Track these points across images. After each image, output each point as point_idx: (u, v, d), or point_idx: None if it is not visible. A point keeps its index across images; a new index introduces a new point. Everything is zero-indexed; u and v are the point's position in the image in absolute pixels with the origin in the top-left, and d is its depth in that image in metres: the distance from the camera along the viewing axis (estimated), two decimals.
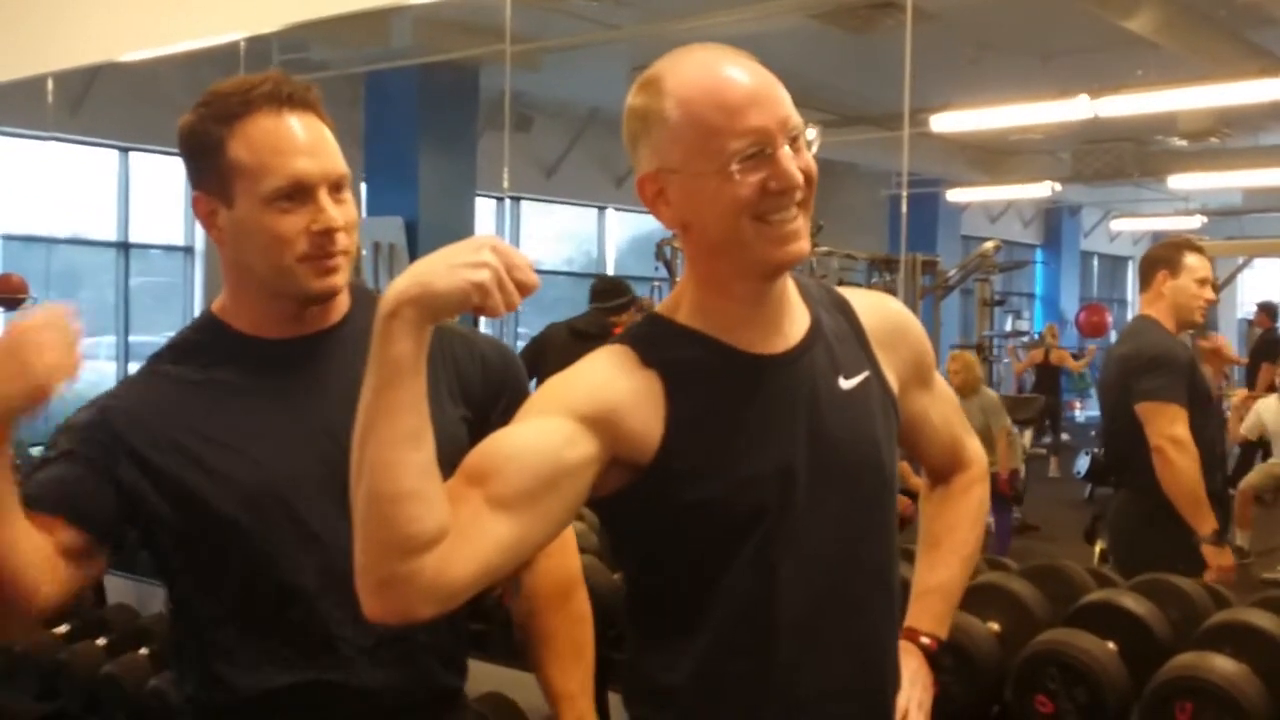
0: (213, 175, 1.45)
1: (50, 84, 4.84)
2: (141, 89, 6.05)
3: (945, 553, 1.56)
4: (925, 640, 1.52)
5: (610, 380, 1.27)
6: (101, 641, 3.11)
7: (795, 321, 1.35)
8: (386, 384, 1.12)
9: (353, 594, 1.47)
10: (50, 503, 1.43)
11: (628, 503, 1.29)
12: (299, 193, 1.43)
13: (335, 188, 1.46)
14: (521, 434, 1.23)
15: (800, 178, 1.24)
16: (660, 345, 1.30)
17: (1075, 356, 11.74)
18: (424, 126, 7.88)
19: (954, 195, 13.00)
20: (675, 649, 1.32)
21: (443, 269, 1.12)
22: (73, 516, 1.44)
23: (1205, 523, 3.12)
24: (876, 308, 1.45)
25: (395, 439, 1.12)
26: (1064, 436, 11.13)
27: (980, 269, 9.12)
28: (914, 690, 1.47)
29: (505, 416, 1.60)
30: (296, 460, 1.48)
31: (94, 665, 2.98)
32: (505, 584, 1.74)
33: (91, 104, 5.64)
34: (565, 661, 1.67)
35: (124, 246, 8.44)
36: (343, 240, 1.46)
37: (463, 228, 8.25)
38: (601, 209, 11.84)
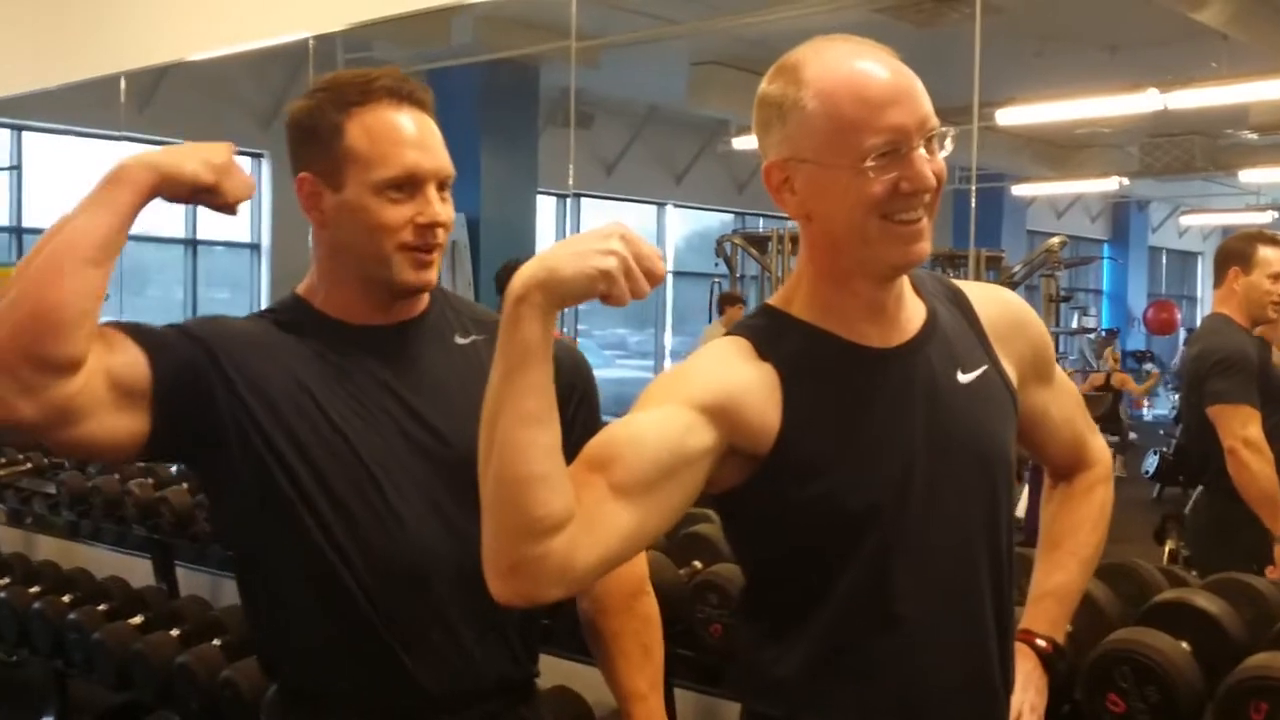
0: (325, 158, 1.48)
1: (123, 84, 4.93)
2: (208, 87, 6.16)
3: (1064, 555, 1.54)
4: (1041, 643, 1.50)
5: (728, 369, 1.27)
6: (175, 633, 3.18)
7: (911, 315, 1.34)
8: (514, 368, 1.13)
9: (433, 581, 1.49)
10: (130, 327, 1.40)
11: (745, 498, 1.29)
12: (410, 184, 1.47)
13: (442, 185, 1.50)
14: (642, 422, 1.22)
15: (933, 180, 1.24)
16: (775, 339, 1.30)
17: (1137, 375, 11.63)
18: (485, 124, 7.92)
19: (1019, 190, 12.85)
20: (787, 642, 1.31)
21: (569, 256, 1.13)
22: (149, 349, 1.39)
23: (1279, 522, 3.08)
24: (994, 300, 1.44)
25: (523, 421, 1.13)
26: (1132, 435, 10.98)
27: (1046, 265, 8.98)
28: (1027, 694, 1.45)
29: (577, 416, 1.62)
30: (385, 443, 1.49)
31: (168, 656, 3.04)
32: None
33: (159, 102, 5.74)
34: (634, 661, 1.68)
35: (192, 244, 8.59)
36: (441, 236, 1.50)
37: (524, 225, 8.30)
38: (661, 205, 11.84)
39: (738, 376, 1.26)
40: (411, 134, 1.48)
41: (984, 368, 1.37)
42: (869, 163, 1.21)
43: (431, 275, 1.51)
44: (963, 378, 1.34)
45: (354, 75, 1.50)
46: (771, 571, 1.35)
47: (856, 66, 1.23)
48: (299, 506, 1.46)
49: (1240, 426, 3.09)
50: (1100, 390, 10.64)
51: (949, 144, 1.27)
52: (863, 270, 1.29)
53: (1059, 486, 1.58)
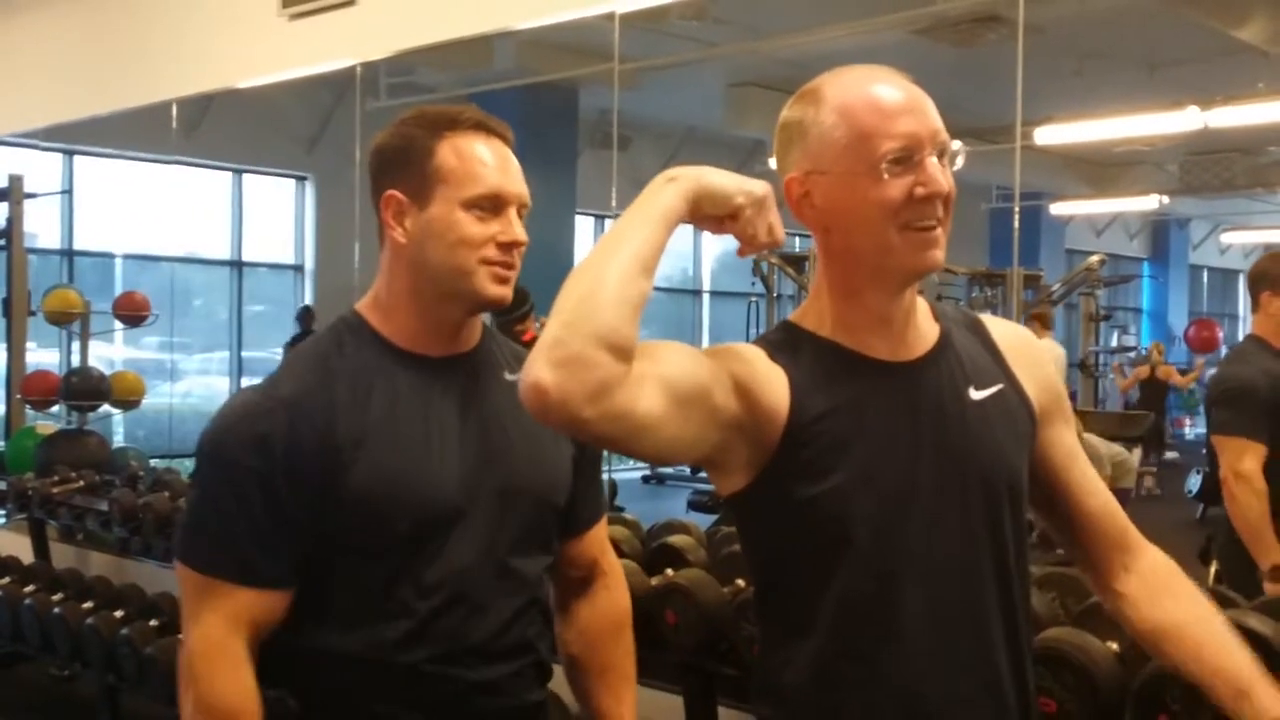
0: (415, 177, 1.54)
1: (175, 110, 5.02)
2: (254, 112, 6.24)
3: (1226, 641, 1.43)
4: None
5: (747, 358, 1.32)
6: None
7: (923, 335, 1.39)
8: (647, 222, 1.24)
9: (479, 608, 1.52)
10: (227, 564, 1.49)
11: (753, 499, 1.33)
12: (495, 205, 1.54)
13: (519, 212, 1.57)
14: (685, 351, 1.28)
15: (945, 186, 1.29)
16: (788, 348, 1.35)
17: (1183, 372, 11.51)
18: (525, 146, 7.93)
19: (1058, 208, 12.78)
20: (795, 648, 1.34)
21: (723, 173, 1.29)
22: (257, 579, 1.50)
23: (1265, 557, 3.05)
24: (1013, 332, 1.48)
25: (638, 261, 1.20)
26: (1172, 455, 10.87)
27: (1085, 283, 8.94)
28: None
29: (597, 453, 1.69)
30: (463, 471, 1.55)
31: None
32: (558, 614, 1.79)
33: (206, 127, 5.83)
34: (621, 691, 1.76)
35: (237, 265, 8.71)
36: (518, 257, 1.56)
37: (563, 246, 8.35)
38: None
39: (754, 366, 1.32)
40: (497, 160, 1.56)
41: (999, 386, 1.40)
42: (884, 166, 1.27)
43: (509, 291, 1.57)
44: (975, 394, 1.38)
45: (441, 109, 1.58)
46: (776, 577, 1.39)
47: (872, 83, 1.32)
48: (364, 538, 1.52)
49: (1235, 459, 3.07)
50: (1146, 381, 10.53)
51: (960, 160, 1.33)
52: (876, 280, 1.33)
53: (1129, 583, 1.46)
